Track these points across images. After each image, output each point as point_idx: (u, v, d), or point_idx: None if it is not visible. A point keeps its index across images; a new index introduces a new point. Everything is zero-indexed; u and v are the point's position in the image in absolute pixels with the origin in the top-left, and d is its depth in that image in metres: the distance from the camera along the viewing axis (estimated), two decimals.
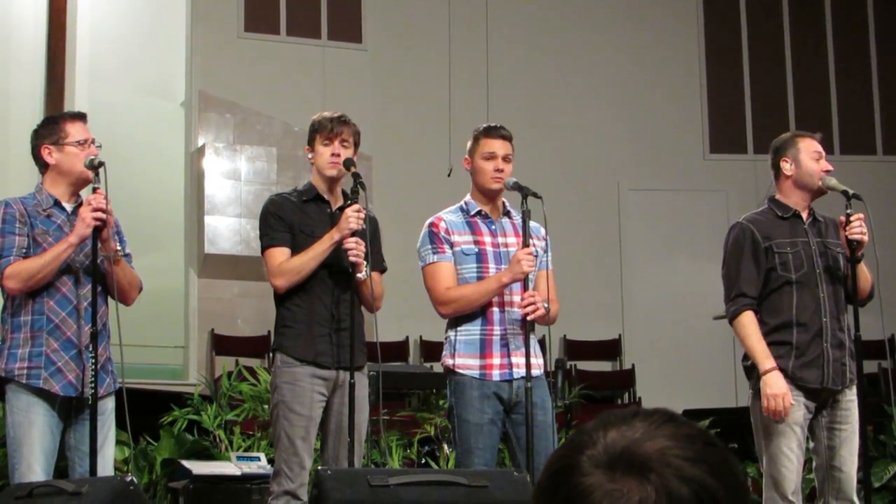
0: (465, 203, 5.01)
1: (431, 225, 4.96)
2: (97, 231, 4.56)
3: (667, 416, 1.31)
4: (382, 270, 5.06)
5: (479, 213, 4.97)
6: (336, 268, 4.81)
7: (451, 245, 4.90)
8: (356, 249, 4.72)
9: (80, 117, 4.86)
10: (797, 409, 4.79)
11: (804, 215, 5.00)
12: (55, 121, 4.86)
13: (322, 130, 4.90)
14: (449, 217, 4.98)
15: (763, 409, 4.76)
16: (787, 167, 5.00)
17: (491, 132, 4.98)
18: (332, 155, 4.87)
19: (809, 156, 4.98)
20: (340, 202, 4.93)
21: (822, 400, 4.87)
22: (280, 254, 4.82)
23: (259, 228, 4.96)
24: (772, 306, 4.90)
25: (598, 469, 1.25)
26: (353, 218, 4.71)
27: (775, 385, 4.73)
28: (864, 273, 4.95)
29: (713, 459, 1.27)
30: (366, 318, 4.97)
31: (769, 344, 4.82)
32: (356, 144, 4.97)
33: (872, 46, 12.64)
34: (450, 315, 4.91)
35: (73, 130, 4.76)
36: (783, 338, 4.85)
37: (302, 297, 4.81)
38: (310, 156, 4.96)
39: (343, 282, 4.81)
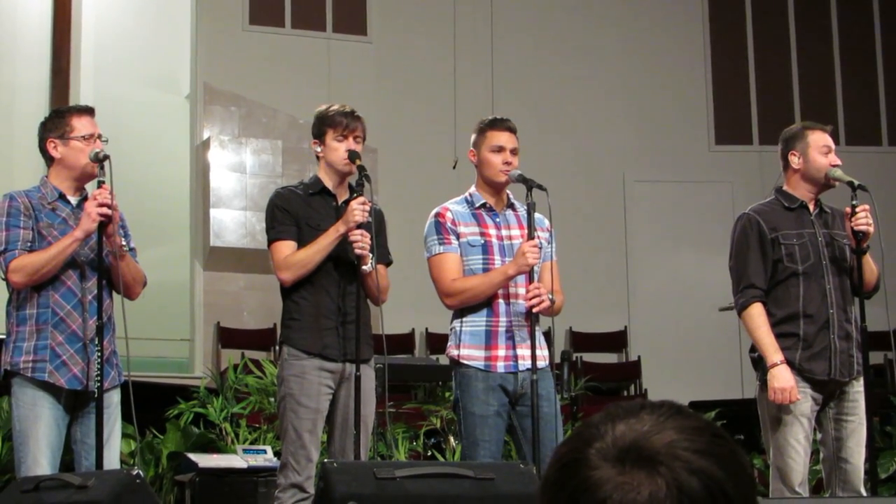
0: (470, 194, 4.99)
1: (438, 215, 4.93)
2: (102, 226, 4.56)
3: (674, 408, 1.31)
4: (388, 263, 5.04)
5: (483, 205, 4.95)
6: (342, 260, 4.80)
7: (458, 236, 4.88)
8: (362, 242, 4.70)
9: (88, 111, 4.85)
10: (804, 400, 4.78)
11: (811, 206, 4.99)
12: (62, 115, 4.84)
13: (336, 126, 4.86)
14: (455, 207, 4.95)
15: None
16: (795, 160, 4.97)
17: (498, 125, 4.95)
18: (347, 151, 4.85)
19: (818, 150, 4.95)
20: (346, 195, 4.91)
21: (830, 391, 4.87)
22: (286, 247, 4.81)
23: (265, 221, 4.95)
24: (778, 298, 4.89)
25: (607, 462, 1.25)
26: (358, 210, 4.70)
27: (782, 379, 4.73)
28: (870, 264, 4.94)
29: (721, 451, 1.27)
30: (371, 310, 4.96)
31: (776, 336, 4.81)
32: (363, 139, 4.96)
33: (878, 37, 12.61)
34: (455, 306, 4.88)
35: (79, 125, 4.75)
36: (790, 329, 4.84)
37: (308, 290, 4.80)
38: (318, 149, 4.92)
39: (349, 274, 4.80)
